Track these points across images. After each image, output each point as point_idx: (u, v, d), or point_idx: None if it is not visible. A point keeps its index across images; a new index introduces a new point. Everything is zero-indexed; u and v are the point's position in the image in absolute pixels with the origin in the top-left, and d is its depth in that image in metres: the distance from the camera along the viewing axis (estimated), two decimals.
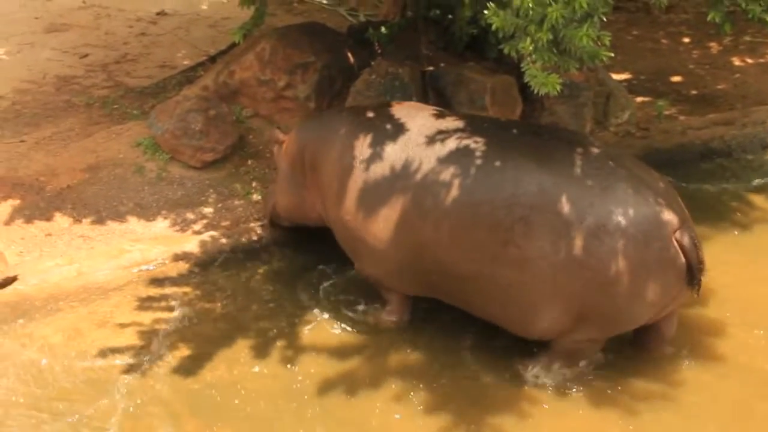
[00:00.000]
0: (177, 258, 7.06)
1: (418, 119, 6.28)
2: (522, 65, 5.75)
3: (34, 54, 10.28)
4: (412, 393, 5.95)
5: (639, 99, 9.44)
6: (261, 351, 6.28)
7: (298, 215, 6.92)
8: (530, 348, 6.15)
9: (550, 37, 5.54)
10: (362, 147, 6.27)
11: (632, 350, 6.24)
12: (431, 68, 8.30)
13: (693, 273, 5.71)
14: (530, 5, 5.45)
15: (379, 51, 8.61)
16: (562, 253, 5.63)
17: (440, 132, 6.12)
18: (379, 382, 6.01)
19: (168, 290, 6.84)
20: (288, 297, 6.84)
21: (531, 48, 5.59)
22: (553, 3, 5.45)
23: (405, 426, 5.78)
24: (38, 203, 7.40)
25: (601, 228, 5.59)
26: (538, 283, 5.72)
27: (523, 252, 5.71)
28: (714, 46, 10.99)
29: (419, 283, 6.24)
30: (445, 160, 5.96)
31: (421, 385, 6.00)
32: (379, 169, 6.16)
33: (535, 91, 5.73)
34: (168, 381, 6.01)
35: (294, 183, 6.80)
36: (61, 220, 7.28)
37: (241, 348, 6.32)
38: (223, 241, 7.21)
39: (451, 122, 6.22)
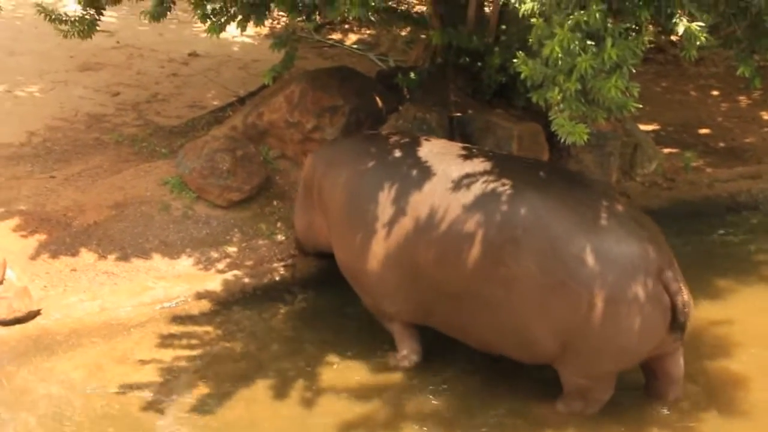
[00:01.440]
0: (199, 296, 7.09)
1: (424, 148, 6.44)
2: (550, 114, 5.77)
3: (66, 92, 10.41)
4: None
5: (666, 150, 9.41)
6: (280, 391, 6.26)
7: (309, 238, 7.07)
8: (550, 391, 6.10)
9: (579, 87, 5.57)
10: (364, 171, 6.45)
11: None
12: (459, 114, 8.32)
13: (677, 317, 5.72)
14: (559, 55, 5.47)
15: (408, 96, 8.65)
16: (548, 276, 5.70)
17: (438, 156, 6.31)
18: (398, 427, 5.97)
19: (189, 328, 6.86)
20: (308, 338, 6.83)
21: (559, 97, 5.62)
22: (582, 53, 5.48)
23: None
24: (64, 238, 7.45)
25: (588, 255, 5.65)
26: (524, 304, 5.79)
27: (511, 272, 5.79)
28: (743, 100, 10.97)
29: (416, 307, 6.31)
30: (441, 181, 6.11)
31: (439, 431, 5.94)
32: (378, 191, 6.29)
33: (562, 140, 5.76)
34: (187, 419, 5.99)
35: (306, 205, 6.98)
36: (86, 256, 7.32)
37: (261, 388, 6.29)
38: (246, 280, 7.23)
39: (451, 149, 6.44)
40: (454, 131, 8.22)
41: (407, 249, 6.15)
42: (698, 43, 5.66)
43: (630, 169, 8.86)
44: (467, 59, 8.75)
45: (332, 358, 6.60)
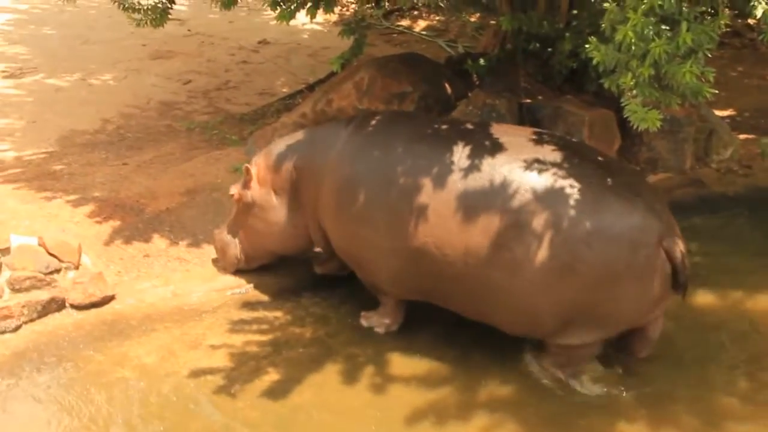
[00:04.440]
0: (269, 282, 7.14)
1: (410, 125, 6.44)
2: (622, 100, 5.69)
3: (139, 80, 10.57)
4: (500, 425, 5.86)
5: (742, 136, 9.23)
6: (349, 377, 6.28)
7: (290, 243, 6.97)
8: (619, 381, 6.12)
9: (652, 72, 5.48)
10: (357, 156, 6.40)
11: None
12: (529, 101, 8.25)
13: (678, 279, 5.82)
14: (633, 40, 5.39)
15: (477, 82, 8.61)
16: (553, 259, 5.74)
17: (437, 137, 6.25)
18: (468, 414, 5.95)
19: (260, 314, 6.91)
20: None
21: (632, 83, 5.54)
22: (656, 38, 5.38)
23: None
24: (137, 225, 7.56)
25: (591, 235, 5.72)
26: (529, 286, 5.82)
27: (515, 256, 5.81)
28: None
29: (416, 289, 6.38)
30: (442, 165, 6.07)
31: (510, 418, 5.91)
32: (375, 176, 6.27)
33: (635, 127, 5.68)
34: (257, 404, 6.04)
35: (283, 209, 6.86)
36: (158, 242, 7.41)
37: (330, 373, 6.32)
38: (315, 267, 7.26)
39: (447, 129, 6.34)
40: (524, 118, 8.17)
41: (408, 234, 6.12)
42: None
43: (705, 155, 8.72)
44: (537, 45, 8.68)
45: (401, 344, 6.59)
